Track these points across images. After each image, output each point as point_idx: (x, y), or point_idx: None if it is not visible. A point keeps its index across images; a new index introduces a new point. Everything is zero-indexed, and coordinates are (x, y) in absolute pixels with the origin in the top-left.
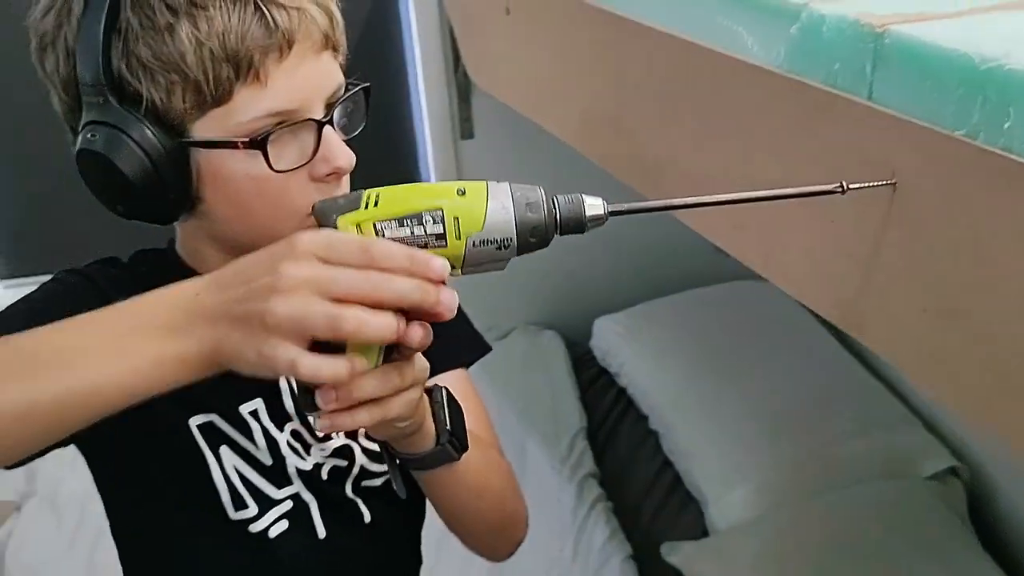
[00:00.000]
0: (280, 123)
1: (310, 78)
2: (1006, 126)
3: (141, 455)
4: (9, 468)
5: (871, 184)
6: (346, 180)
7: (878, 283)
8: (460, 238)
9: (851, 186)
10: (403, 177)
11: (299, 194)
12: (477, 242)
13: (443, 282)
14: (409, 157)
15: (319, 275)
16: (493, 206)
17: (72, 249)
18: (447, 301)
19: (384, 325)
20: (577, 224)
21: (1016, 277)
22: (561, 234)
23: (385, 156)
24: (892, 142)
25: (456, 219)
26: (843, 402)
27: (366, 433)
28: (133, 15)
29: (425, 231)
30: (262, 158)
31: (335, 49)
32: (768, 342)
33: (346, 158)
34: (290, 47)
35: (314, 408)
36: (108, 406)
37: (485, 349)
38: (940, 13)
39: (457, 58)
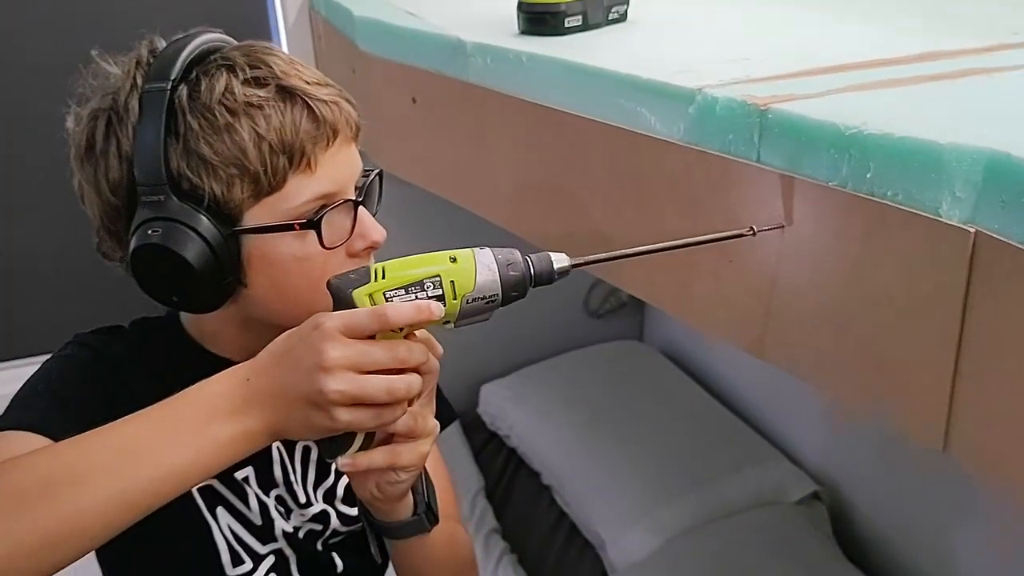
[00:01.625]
0: (323, 205)
1: (347, 163)
2: (868, 176)
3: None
4: None
5: (771, 227)
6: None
7: (773, 308)
8: (456, 298)
9: (759, 229)
10: None
11: (337, 270)
12: (470, 299)
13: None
14: None
15: (353, 354)
16: (481, 269)
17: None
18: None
19: (416, 380)
20: (548, 276)
21: (887, 291)
22: (535, 286)
23: None
24: (778, 193)
25: (452, 282)
26: (717, 444)
27: (344, 498)
28: (192, 118)
29: (427, 295)
30: (309, 239)
31: (359, 139)
32: (645, 396)
33: (379, 233)
34: (335, 136)
35: (334, 456)
36: (189, 485)
37: (453, 416)
38: (805, 94)
39: None
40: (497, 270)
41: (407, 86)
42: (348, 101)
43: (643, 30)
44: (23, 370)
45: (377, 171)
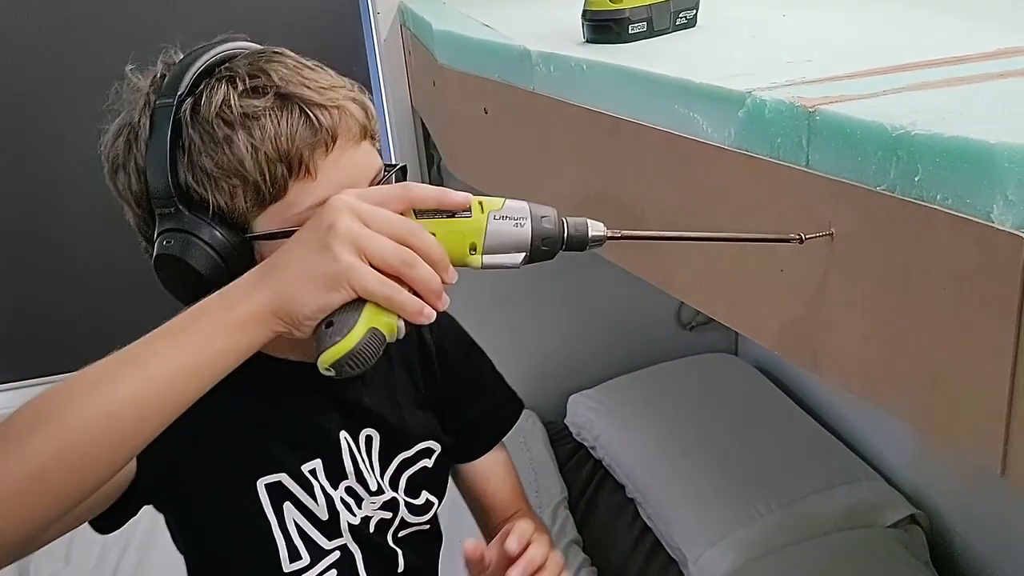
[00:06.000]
0: None
1: (353, 166)
2: (916, 179)
3: (210, 513)
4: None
5: (819, 234)
6: None
7: (824, 319)
8: (483, 212)
9: (807, 237)
10: None
11: None
12: (497, 216)
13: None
14: None
15: (366, 208)
16: (511, 200)
17: (67, 350)
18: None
19: (428, 271)
20: (580, 241)
21: (936, 301)
22: (566, 248)
23: None
24: (827, 199)
25: (480, 203)
26: (807, 461)
27: (406, 488)
28: (194, 132)
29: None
30: None
31: (372, 137)
32: (734, 410)
33: None
34: (334, 141)
35: (332, 342)
36: (180, 387)
37: (519, 408)
38: (857, 95)
39: (430, 158)
40: (526, 201)
41: (479, 97)
42: (358, 102)
43: (711, 35)
44: None
45: (398, 167)
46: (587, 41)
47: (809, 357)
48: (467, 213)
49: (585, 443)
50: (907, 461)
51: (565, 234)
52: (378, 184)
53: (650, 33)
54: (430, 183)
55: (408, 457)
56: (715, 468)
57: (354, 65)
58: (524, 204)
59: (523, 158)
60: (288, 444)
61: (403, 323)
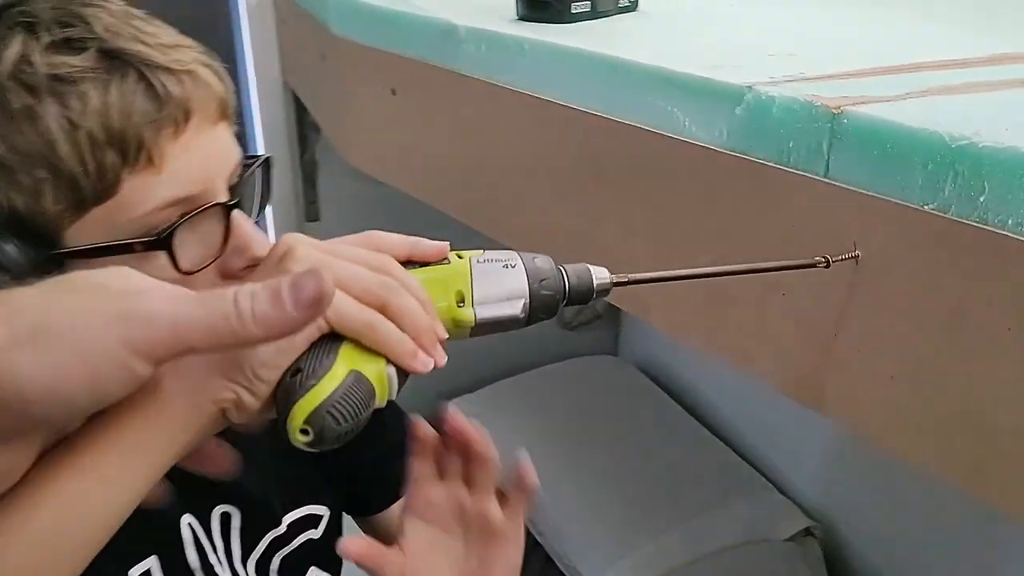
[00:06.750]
0: (181, 214)
1: (211, 155)
2: (981, 199)
3: None
4: None
5: (844, 257)
6: None
7: (838, 353)
8: (463, 258)
9: (834, 260)
10: None
11: None
12: (480, 260)
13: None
14: None
15: (321, 243)
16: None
17: None
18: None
19: (405, 297)
20: (585, 289)
21: (997, 340)
22: (569, 301)
23: None
24: (851, 214)
25: (458, 254)
26: (701, 472)
27: (280, 570)
28: None
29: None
30: (160, 261)
31: (229, 118)
32: (622, 416)
33: (262, 246)
34: (187, 119)
35: (304, 390)
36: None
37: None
38: (882, 97)
39: (303, 142)
40: (517, 252)
41: (386, 75)
42: (210, 67)
43: (658, 20)
44: None
45: (262, 159)
46: (520, 18)
47: (815, 395)
48: (445, 260)
49: None
50: (801, 471)
51: (567, 284)
52: (243, 181)
53: (593, 14)
54: (302, 171)
55: (282, 535)
56: (608, 480)
57: (213, 33)
58: (510, 250)
59: (441, 148)
60: (110, 543)
61: (394, 372)
